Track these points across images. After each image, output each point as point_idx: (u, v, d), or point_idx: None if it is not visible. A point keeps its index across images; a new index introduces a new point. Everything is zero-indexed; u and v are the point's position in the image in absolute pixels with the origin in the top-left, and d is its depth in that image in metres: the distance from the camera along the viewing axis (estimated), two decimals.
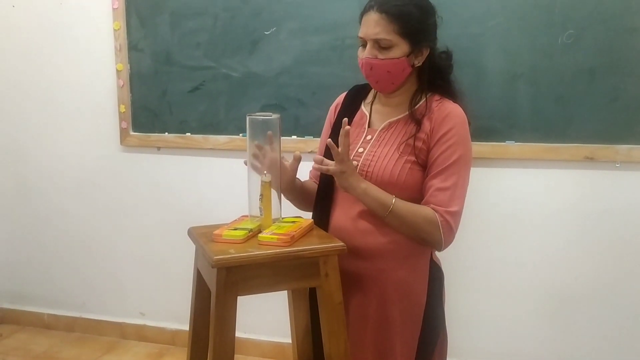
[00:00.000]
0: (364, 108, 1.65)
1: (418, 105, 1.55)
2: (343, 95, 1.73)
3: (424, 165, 1.52)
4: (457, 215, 1.49)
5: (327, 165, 1.47)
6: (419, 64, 1.52)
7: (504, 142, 2.31)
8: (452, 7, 2.27)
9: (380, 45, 1.47)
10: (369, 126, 1.61)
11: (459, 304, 2.42)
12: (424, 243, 1.52)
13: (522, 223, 2.38)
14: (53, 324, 3.13)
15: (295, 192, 1.68)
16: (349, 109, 1.66)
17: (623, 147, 2.21)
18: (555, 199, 2.34)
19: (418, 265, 1.58)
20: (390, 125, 1.57)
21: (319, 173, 1.69)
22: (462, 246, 2.39)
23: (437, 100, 1.54)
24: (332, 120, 1.70)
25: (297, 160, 1.59)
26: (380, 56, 1.47)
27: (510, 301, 2.45)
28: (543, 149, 2.28)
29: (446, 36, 2.26)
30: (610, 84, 2.19)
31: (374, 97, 1.65)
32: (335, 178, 1.50)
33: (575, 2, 2.17)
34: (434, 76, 1.55)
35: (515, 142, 2.30)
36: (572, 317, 2.39)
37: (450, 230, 1.48)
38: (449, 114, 1.51)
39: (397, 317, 1.55)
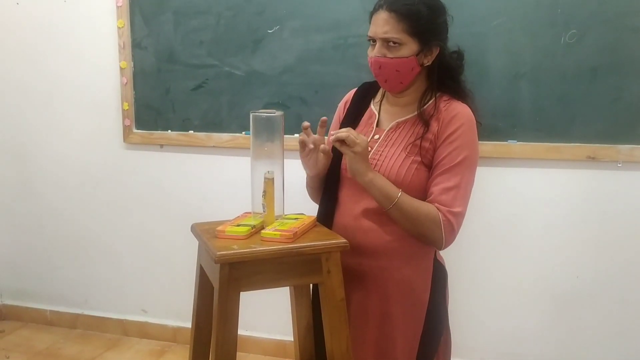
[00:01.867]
0: (373, 107, 1.65)
1: (427, 105, 1.54)
2: (353, 91, 1.72)
3: (430, 165, 1.52)
4: (460, 216, 1.49)
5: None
6: (428, 64, 1.52)
7: (506, 141, 2.32)
8: (455, 7, 2.24)
9: (389, 44, 1.47)
10: (377, 125, 1.61)
11: (461, 304, 2.44)
12: (424, 240, 1.52)
13: (524, 222, 2.39)
14: (55, 321, 3.14)
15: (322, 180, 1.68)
16: (358, 106, 1.67)
17: (625, 147, 2.22)
18: (557, 198, 2.34)
19: (422, 264, 1.58)
20: (398, 125, 1.57)
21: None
22: (463, 245, 2.40)
23: (445, 101, 1.54)
24: (341, 116, 1.70)
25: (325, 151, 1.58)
26: (389, 55, 1.47)
27: (512, 300, 2.45)
28: (545, 149, 2.29)
29: (450, 35, 2.28)
30: (613, 84, 2.19)
31: (383, 96, 1.64)
32: (346, 158, 1.48)
33: (578, 2, 2.18)
34: (443, 76, 1.55)
35: (518, 141, 2.31)
36: (575, 316, 2.39)
37: (452, 231, 1.48)
38: (456, 115, 1.51)
39: (399, 314, 1.55)
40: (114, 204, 2.95)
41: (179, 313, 2.90)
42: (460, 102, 1.54)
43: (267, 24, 2.55)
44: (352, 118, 1.65)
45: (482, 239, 2.43)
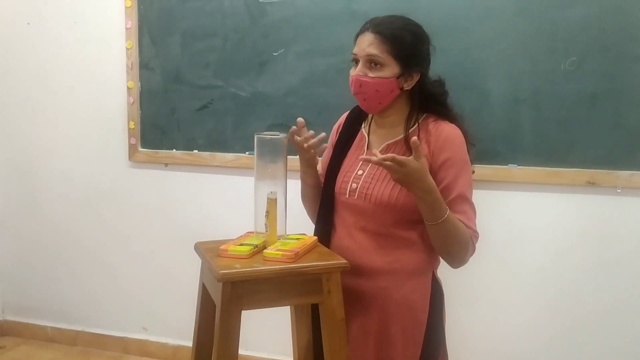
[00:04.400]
0: (364, 130, 1.68)
1: (412, 129, 1.57)
2: (345, 115, 1.76)
3: None
4: (478, 234, 1.55)
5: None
6: (408, 88, 1.55)
7: (507, 165, 2.34)
8: (457, 32, 2.33)
9: (371, 65, 1.51)
10: (367, 148, 1.64)
11: (458, 326, 2.43)
12: (448, 257, 1.55)
13: (524, 246, 2.40)
14: (56, 338, 3.15)
15: (315, 178, 1.70)
16: (350, 130, 1.70)
17: (624, 173, 2.24)
18: (557, 223, 2.36)
19: (421, 283, 1.59)
20: (388, 147, 1.60)
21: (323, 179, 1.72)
22: (463, 269, 2.40)
23: (433, 122, 1.57)
24: (334, 140, 1.74)
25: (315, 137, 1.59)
26: (371, 74, 1.51)
27: (512, 324, 2.45)
28: (545, 173, 2.31)
29: (451, 60, 2.34)
30: (612, 110, 2.22)
31: (371, 119, 1.68)
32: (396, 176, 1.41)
33: (577, 30, 2.22)
34: (429, 101, 1.58)
35: (518, 165, 2.33)
36: (575, 341, 2.39)
37: (473, 250, 1.55)
38: (447, 136, 1.54)
39: (398, 335, 1.56)
40: (118, 222, 2.98)
41: (180, 332, 2.90)
42: (447, 122, 1.57)
43: (272, 47, 2.60)
44: (344, 142, 1.69)
45: (481, 262, 2.41)
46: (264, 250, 1.47)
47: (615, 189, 2.26)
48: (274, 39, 2.59)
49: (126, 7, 2.76)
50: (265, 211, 1.54)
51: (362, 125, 1.69)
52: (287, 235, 1.59)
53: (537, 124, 2.30)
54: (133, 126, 2.84)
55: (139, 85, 2.81)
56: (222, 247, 1.48)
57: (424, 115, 1.59)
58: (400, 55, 1.50)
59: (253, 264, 1.42)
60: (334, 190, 1.65)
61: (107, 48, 2.84)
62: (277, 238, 1.55)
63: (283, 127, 2.56)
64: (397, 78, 1.52)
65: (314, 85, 2.55)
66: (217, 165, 2.75)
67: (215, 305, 1.46)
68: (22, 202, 3.12)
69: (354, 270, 1.53)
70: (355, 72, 1.53)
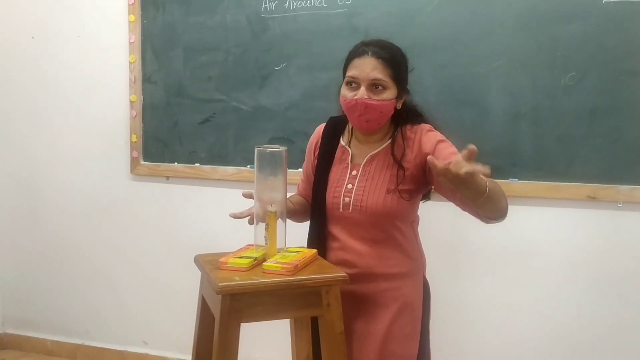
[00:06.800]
0: (344, 144, 1.72)
1: (395, 139, 1.64)
2: (321, 129, 1.80)
3: (410, 190, 1.61)
4: None
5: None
6: (399, 107, 1.63)
7: (507, 179, 2.34)
8: (457, 48, 2.35)
9: (373, 88, 1.56)
10: (351, 161, 1.68)
11: (458, 342, 2.43)
12: (500, 214, 1.50)
13: (524, 261, 2.39)
14: (56, 351, 3.14)
15: None
16: (329, 143, 1.75)
17: (625, 188, 2.24)
18: (557, 237, 2.35)
19: (416, 282, 1.69)
20: (372, 158, 1.66)
21: (308, 189, 1.78)
22: (462, 283, 2.41)
23: (409, 129, 1.64)
24: (315, 154, 1.78)
25: None
26: (375, 97, 1.56)
27: (511, 340, 2.44)
28: (545, 188, 2.31)
29: (451, 76, 2.36)
30: (612, 125, 2.23)
31: (350, 134, 1.72)
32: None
33: (576, 46, 2.23)
34: (409, 115, 1.67)
35: (518, 180, 2.33)
36: (573, 355, 2.37)
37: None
38: (421, 133, 1.62)
39: (399, 330, 1.62)
40: (119, 235, 2.98)
41: (180, 345, 2.89)
42: (418, 124, 1.65)
43: (274, 61, 2.61)
44: (327, 156, 1.73)
45: (481, 277, 2.43)
46: (263, 263, 1.47)
47: (616, 203, 2.26)
48: (275, 54, 2.61)
49: (129, 22, 2.79)
50: (265, 224, 1.54)
51: (341, 139, 1.74)
52: (287, 248, 1.59)
53: (538, 138, 2.30)
54: (135, 139, 2.85)
55: (142, 99, 2.83)
56: (222, 259, 1.49)
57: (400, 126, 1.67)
58: (398, 79, 1.59)
59: (252, 277, 1.42)
60: (324, 204, 1.68)
61: (110, 62, 2.87)
62: (277, 251, 1.55)
63: (284, 140, 2.58)
64: (396, 99, 1.59)
65: (315, 99, 2.56)
66: (219, 179, 2.76)
67: (214, 318, 1.46)
68: (23, 215, 3.13)
69: (356, 277, 1.59)
70: (359, 95, 1.56)
